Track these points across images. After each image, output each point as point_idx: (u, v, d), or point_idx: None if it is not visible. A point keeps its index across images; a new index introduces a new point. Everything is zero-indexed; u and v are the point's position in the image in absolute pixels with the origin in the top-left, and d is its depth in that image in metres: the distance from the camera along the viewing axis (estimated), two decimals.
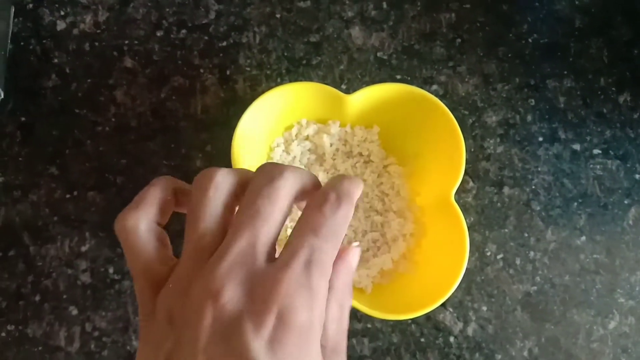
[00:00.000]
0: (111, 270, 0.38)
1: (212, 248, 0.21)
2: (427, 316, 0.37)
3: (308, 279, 0.20)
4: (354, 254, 0.23)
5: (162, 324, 0.20)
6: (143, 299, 0.22)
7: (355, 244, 0.24)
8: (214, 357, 0.19)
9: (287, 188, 0.22)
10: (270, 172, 0.22)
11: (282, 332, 0.19)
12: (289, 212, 0.22)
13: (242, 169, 0.24)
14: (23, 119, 0.40)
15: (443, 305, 0.37)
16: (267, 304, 0.19)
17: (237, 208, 0.22)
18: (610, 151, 0.40)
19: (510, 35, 0.42)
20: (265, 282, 0.20)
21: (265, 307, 0.19)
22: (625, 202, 0.39)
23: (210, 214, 0.21)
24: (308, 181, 0.23)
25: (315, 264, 0.20)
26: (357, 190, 0.22)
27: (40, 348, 0.37)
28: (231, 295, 0.19)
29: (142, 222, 0.22)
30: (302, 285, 0.20)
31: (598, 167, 0.40)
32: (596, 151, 0.40)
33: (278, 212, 0.21)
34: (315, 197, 0.22)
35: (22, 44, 0.41)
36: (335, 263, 0.21)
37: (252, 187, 0.22)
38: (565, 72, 0.41)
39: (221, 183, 0.22)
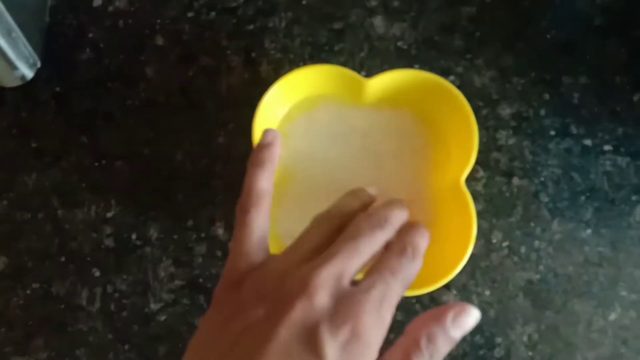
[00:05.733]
0: (134, 237, 0.40)
1: (310, 258, 0.26)
2: (431, 297, 0.39)
3: (380, 309, 0.24)
4: (455, 317, 0.25)
5: (249, 297, 0.25)
6: (234, 272, 0.26)
7: (475, 311, 0.26)
8: (293, 339, 0.23)
9: (384, 238, 0.27)
10: (379, 218, 0.27)
11: (353, 344, 0.23)
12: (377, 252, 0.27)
13: (359, 198, 0.31)
14: (57, 88, 0.42)
15: (447, 287, 0.39)
16: (346, 317, 0.23)
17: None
18: (621, 148, 0.41)
19: (529, 31, 0.43)
20: (348, 300, 0.24)
21: (345, 319, 0.23)
22: (633, 198, 0.40)
23: (322, 235, 0.27)
24: (397, 226, 0.28)
25: (387, 299, 0.24)
26: (426, 245, 0.28)
27: (62, 306, 0.39)
28: (322, 300, 0.24)
29: (261, 216, 0.28)
30: (375, 312, 0.24)
31: (608, 162, 0.41)
32: (607, 147, 0.41)
33: (370, 252, 0.26)
34: (397, 245, 0.27)
35: (59, 17, 0.43)
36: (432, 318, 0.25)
37: (359, 226, 0.27)
38: (581, 69, 0.42)
39: (340, 212, 0.29)
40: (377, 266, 0.26)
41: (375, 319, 0.24)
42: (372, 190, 0.32)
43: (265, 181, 0.29)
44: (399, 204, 0.29)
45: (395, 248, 0.27)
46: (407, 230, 0.28)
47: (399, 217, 0.28)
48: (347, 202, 0.30)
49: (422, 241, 0.27)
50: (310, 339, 0.23)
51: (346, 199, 0.31)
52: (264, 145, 0.30)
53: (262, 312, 0.24)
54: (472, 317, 0.25)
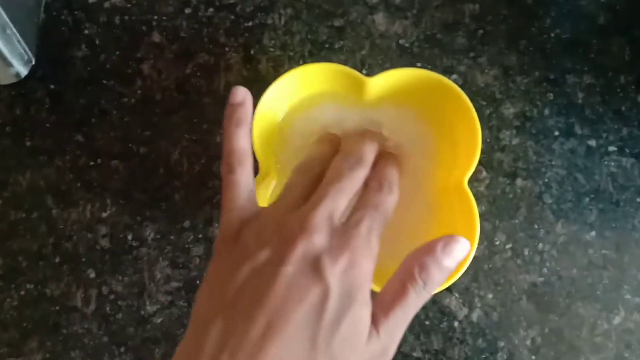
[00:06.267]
0: (130, 237, 0.39)
1: (299, 204, 0.29)
2: (433, 300, 0.38)
3: (369, 240, 0.27)
4: (446, 248, 0.28)
5: (251, 243, 0.27)
6: (231, 227, 0.28)
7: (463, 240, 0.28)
8: (299, 272, 0.25)
9: (363, 175, 0.31)
10: (355, 158, 0.31)
11: (350, 270, 0.26)
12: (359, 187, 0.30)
13: (330, 142, 0.34)
14: (52, 86, 0.41)
15: (449, 290, 0.38)
16: (343, 250, 0.26)
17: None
18: (625, 149, 0.40)
19: (533, 29, 0.42)
20: (342, 235, 0.27)
21: (342, 251, 0.26)
22: (638, 200, 0.40)
23: (306, 183, 0.30)
24: (372, 160, 0.32)
25: (373, 230, 0.28)
26: (398, 178, 0.32)
27: (57, 308, 0.38)
28: (320, 237, 0.26)
29: (246, 173, 0.30)
30: (366, 242, 0.27)
31: (612, 164, 0.40)
32: (612, 148, 0.40)
33: (354, 189, 0.30)
34: (375, 182, 0.31)
35: (54, 13, 0.42)
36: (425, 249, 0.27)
37: (339, 168, 0.30)
38: (586, 69, 0.42)
39: (317, 161, 0.32)
40: (361, 203, 0.29)
41: (367, 248, 0.27)
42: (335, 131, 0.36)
43: (245, 139, 0.30)
44: (368, 137, 0.33)
45: (374, 185, 0.30)
46: (380, 167, 0.32)
47: (371, 151, 0.32)
48: (319, 149, 0.34)
49: (395, 175, 0.32)
50: (314, 269, 0.25)
51: (318, 146, 0.34)
52: (236, 104, 0.31)
53: (266, 255, 0.26)
54: (461, 245, 0.27)
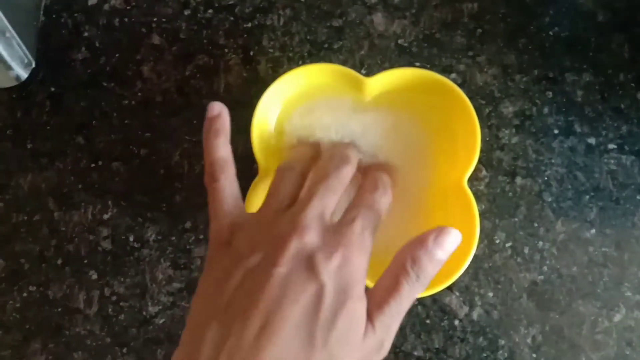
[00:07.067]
0: (131, 239, 0.39)
1: (288, 205, 0.29)
2: (434, 298, 0.38)
3: (363, 237, 0.27)
4: (435, 239, 0.28)
5: (243, 248, 0.27)
6: (220, 233, 0.28)
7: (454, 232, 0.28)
8: (292, 272, 0.25)
9: (350, 173, 0.31)
10: (340, 157, 0.31)
11: (345, 267, 0.26)
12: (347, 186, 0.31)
13: (310, 146, 0.35)
14: (52, 89, 0.41)
15: (450, 288, 0.38)
16: (336, 247, 0.26)
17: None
18: (625, 146, 0.40)
19: (532, 27, 0.42)
20: (335, 232, 0.27)
21: (336, 247, 0.26)
22: (638, 197, 0.40)
23: (290, 184, 0.30)
24: (356, 162, 0.32)
25: (367, 228, 0.28)
26: (390, 182, 0.32)
27: (59, 309, 0.39)
28: (312, 235, 0.26)
29: (229, 180, 0.30)
30: (360, 239, 0.27)
31: (612, 161, 0.40)
32: (611, 146, 0.40)
33: (341, 188, 0.30)
34: (369, 183, 0.31)
35: (53, 16, 0.43)
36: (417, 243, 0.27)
37: (325, 168, 0.30)
38: (585, 67, 0.42)
39: (299, 162, 0.32)
40: (355, 202, 0.30)
41: (360, 245, 0.27)
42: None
43: (225, 148, 0.31)
44: (350, 144, 0.34)
45: (368, 186, 0.31)
46: (373, 171, 0.32)
47: (355, 154, 0.33)
48: (299, 151, 0.34)
49: (387, 178, 0.32)
50: (308, 268, 0.25)
51: (300, 149, 0.34)
52: (213, 117, 0.32)
53: (258, 257, 0.26)
54: (452, 236, 0.27)
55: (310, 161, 0.32)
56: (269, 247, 0.26)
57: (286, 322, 0.24)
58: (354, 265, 0.26)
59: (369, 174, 0.32)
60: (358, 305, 0.26)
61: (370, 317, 0.26)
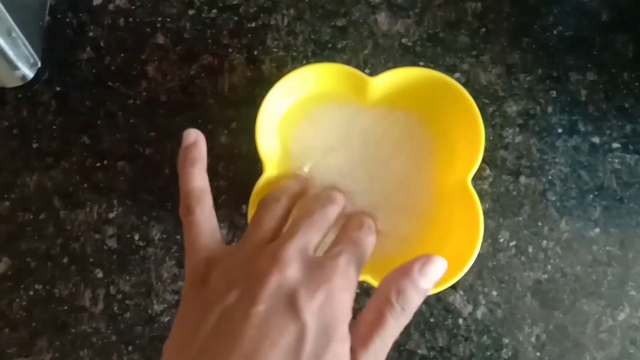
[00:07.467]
0: (137, 237, 0.39)
1: (270, 240, 0.28)
2: (438, 297, 0.38)
3: (348, 273, 0.26)
4: (421, 268, 0.26)
5: (220, 286, 0.25)
6: (197, 269, 0.27)
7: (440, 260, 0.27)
8: (272, 311, 0.24)
9: (335, 212, 0.30)
10: (326, 196, 0.31)
11: (329, 304, 0.24)
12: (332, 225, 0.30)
13: (298, 181, 0.34)
14: (58, 88, 0.42)
15: (454, 287, 0.38)
16: (320, 282, 0.25)
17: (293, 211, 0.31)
18: (629, 145, 0.40)
19: (536, 26, 0.42)
20: (319, 267, 0.26)
21: (319, 284, 0.25)
22: None
23: (275, 216, 0.29)
24: (343, 205, 0.32)
25: (353, 263, 0.27)
26: (374, 226, 0.31)
27: (65, 307, 0.39)
28: (294, 270, 0.25)
29: (206, 212, 0.29)
30: (345, 275, 0.26)
31: (616, 160, 0.40)
32: (615, 145, 0.40)
33: (326, 226, 0.29)
34: (355, 222, 0.30)
35: (59, 16, 0.43)
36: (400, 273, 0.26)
37: (311, 204, 0.30)
38: (589, 66, 0.42)
39: (285, 194, 0.31)
40: (339, 238, 0.29)
41: (345, 282, 0.26)
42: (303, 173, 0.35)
43: (201, 178, 0.30)
44: (335, 189, 0.34)
45: (354, 224, 0.30)
46: (358, 214, 0.32)
47: (340, 197, 0.32)
48: (289, 185, 0.33)
49: (372, 222, 0.31)
50: (289, 306, 0.24)
51: (288, 183, 0.33)
52: (189, 145, 0.31)
53: (236, 295, 0.25)
54: (438, 265, 0.26)
55: (296, 197, 0.32)
56: (248, 283, 0.25)
57: None
58: (338, 302, 0.25)
59: (353, 216, 0.32)
60: (341, 347, 0.24)
61: (354, 355, 0.25)
